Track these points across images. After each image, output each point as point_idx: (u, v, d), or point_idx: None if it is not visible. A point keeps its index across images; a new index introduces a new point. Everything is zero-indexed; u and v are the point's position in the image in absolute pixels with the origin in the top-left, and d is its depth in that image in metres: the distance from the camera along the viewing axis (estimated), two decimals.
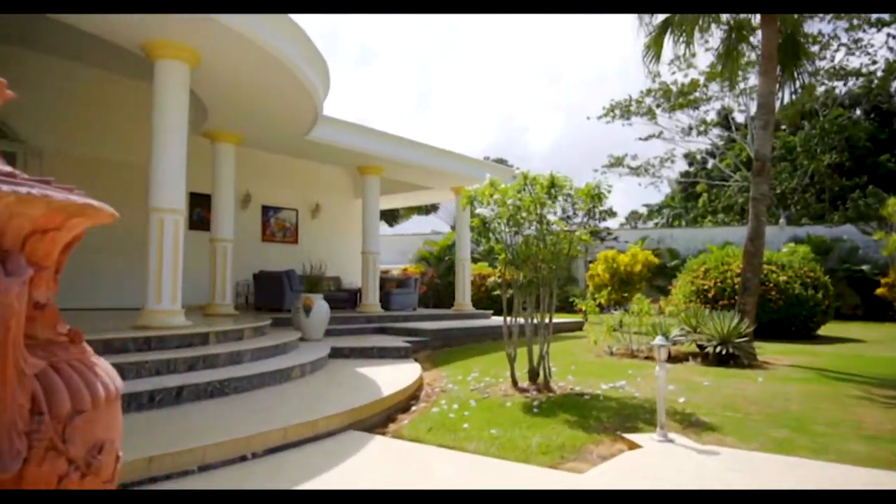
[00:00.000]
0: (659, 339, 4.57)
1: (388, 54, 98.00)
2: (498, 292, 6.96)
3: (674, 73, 25.75)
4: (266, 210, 13.96)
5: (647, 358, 8.58)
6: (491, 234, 6.60)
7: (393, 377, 6.67)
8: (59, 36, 9.02)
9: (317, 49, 7.81)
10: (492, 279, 7.24)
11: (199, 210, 12.17)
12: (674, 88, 26.23)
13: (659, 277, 19.46)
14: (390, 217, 29.35)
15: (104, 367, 1.31)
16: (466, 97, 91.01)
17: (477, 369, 7.62)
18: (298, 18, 7.15)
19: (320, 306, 8.84)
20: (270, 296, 11.51)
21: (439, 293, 19.12)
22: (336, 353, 8.08)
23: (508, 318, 6.79)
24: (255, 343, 6.65)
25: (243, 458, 3.84)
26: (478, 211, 6.91)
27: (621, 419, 5.14)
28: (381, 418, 5.30)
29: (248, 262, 12.58)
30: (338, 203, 15.46)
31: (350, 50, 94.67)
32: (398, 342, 9.00)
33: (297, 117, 9.08)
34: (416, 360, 8.41)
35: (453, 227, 23.89)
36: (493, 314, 14.35)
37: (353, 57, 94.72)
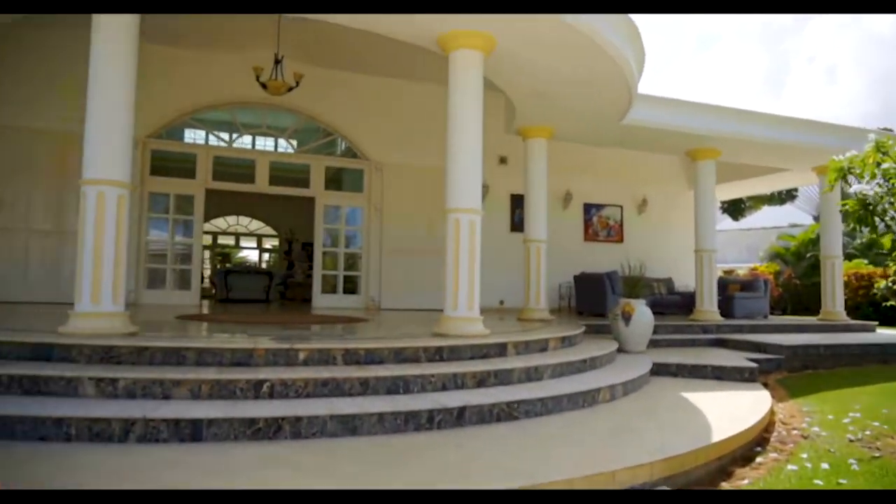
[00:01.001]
0: None
1: (732, 35, 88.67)
2: (893, 302, 4.84)
3: None
4: (588, 208, 13.14)
5: None
6: (878, 220, 4.58)
7: (730, 409, 5.14)
8: (379, 55, 9.64)
9: (629, 19, 6.65)
10: (882, 285, 5.08)
11: (520, 211, 11.94)
12: None
13: None
14: (734, 209, 25.84)
15: None
16: (829, 65, 76.89)
17: (857, 406, 5.51)
18: None
19: (642, 313, 7.60)
20: (591, 299, 10.62)
21: (799, 297, 15.78)
22: (659, 370, 6.77)
23: None
24: (560, 356, 5.81)
25: None
26: (854, 188, 4.92)
27: None
28: (710, 472, 3.92)
29: (569, 264, 11.91)
30: (667, 196, 13.81)
31: (688, 37, 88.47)
32: (740, 360, 7.22)
33: (609, 100, 8.00)
34: (764, 384, 6.57)
35: (816, 218, 19.79)
36: (879, 326, 11.06)
37: (692, 44, 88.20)
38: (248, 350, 4.47)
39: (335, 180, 11.50)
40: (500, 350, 5.50)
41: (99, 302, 4.70)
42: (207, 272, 23.81)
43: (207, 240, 23.92)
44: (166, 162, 10.34)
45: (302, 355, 4.56)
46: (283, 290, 14.65)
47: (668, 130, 9.35)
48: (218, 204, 18.09)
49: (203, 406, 3.82)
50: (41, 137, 9.13)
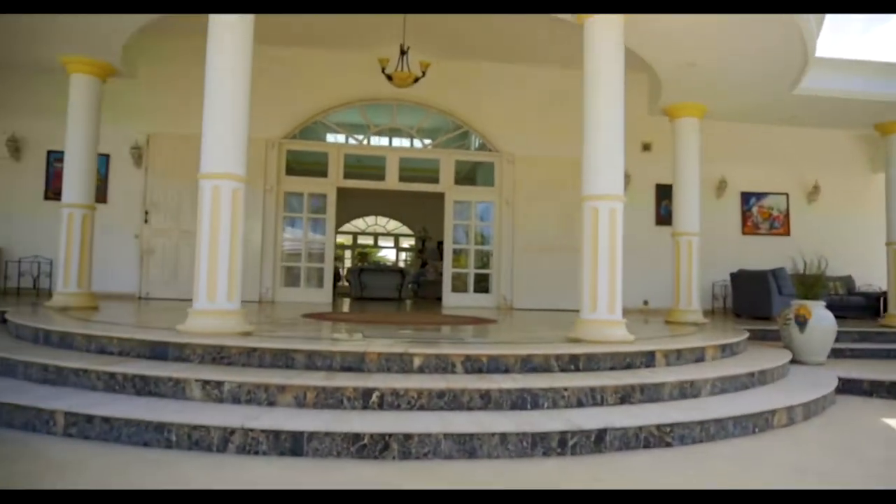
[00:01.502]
0: None
1: None
2: None
3: None
4: (746, 197, 11.59)
5: None
6: None
7: None
8: (508, 40, 9.04)
9: None
10: None
11: (667, 203, 10.78)
12: None
13: None
14: None
15: None
16: None
17: None
18: None
19: (821, 317, 6.34)
20: (752, 300, 9.30)
21: None
22: (847, 388, 5.54)
23: None
24: (721, 368, 4.86)
25: None
26: None
27: None
28: None
29: (725, 260, 10.56)
30: (844, 180, 11.85)
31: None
32: None
33: (779, 65, 6.78)
34: None
35: None
36: None
37: (861, 19, 78.19)
38: (359, 354, 4.06)
39: (466, 175, 11.09)
40: (647, 359, 4.68)
41: (214, 300, 4.53)
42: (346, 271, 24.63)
43: (347, 239, 24.73)
44: (300, 162, 10.48)
45: (417, 361, 4.07)
46: (416, 288, 14.52)
47: (852, 99, 7.82)
48: (357, 205, 18.52)
49: (306, 416, 3.43)
50: (187, 142, 9.54)
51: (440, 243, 16.15)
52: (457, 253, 10.70)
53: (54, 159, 9.59)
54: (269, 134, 9.94)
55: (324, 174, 10.31)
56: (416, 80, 8.30)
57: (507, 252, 10.38)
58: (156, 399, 3.69)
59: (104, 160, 9.71)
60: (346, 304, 10.64)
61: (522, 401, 3.79)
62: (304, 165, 10.50)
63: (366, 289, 12.90)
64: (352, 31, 9.20)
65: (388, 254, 26.65)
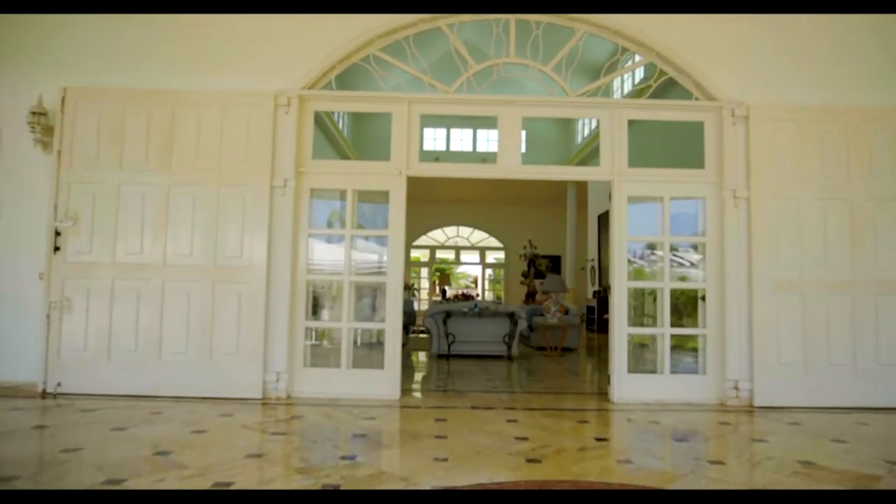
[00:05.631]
0: None
1: None
2: None
3: None
4: None
5: None
6: None
7: None
8: None
9: None
10: None
11: None
12: None
13: None
14: None
15: None
16: None
17: None
18: None
19: None
20: None
21: None
22: None
23: None
24: None
25: None
26: None
27: None
28: None
29: None
30: None
31: None
32: None
33: None
34: None
35: None
36: None
37: None
38: None
39: (645, 147, 5.87)
40: None
41: None
42: (425, 298, 19.73)
43: (424, 255, 19.91)
44: (339, 134, 5.56)
45: None
46: (528, 332, 9.39)
47: None
48: (433, 213, 13.72)
49: None
50: (136, 100, 4.90)
51: (532, 260, 11.04)
52: (633, 294, 5.48)
53: None
54: (280, 82, 5.13)
55: (384, 154, 5.36)
56: None
57: (737, 293, 5.09)
58: None
59: None
60: (422, 405, 5.47)
61: None
62: (345, 140, 5.58)
63: (455, 342, 7.93)
64: None
65: (470, 270, 21.80)
